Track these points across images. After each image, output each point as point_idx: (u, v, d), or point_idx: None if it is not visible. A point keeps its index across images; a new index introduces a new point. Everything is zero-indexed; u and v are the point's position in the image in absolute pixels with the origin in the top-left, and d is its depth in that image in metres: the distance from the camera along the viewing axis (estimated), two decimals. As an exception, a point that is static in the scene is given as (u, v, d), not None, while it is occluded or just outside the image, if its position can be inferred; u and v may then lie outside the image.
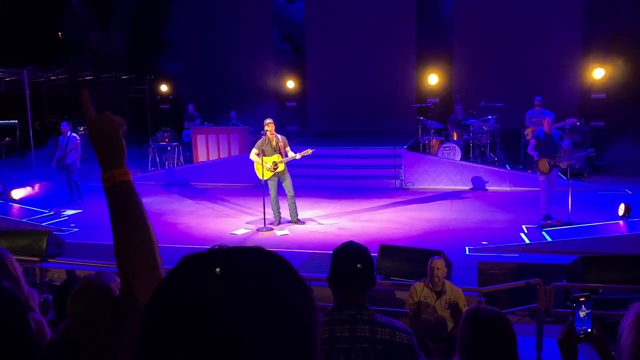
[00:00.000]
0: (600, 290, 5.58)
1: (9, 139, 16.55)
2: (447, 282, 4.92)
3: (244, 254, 0.69)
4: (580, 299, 1.82)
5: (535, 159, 8.50)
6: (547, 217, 8.44)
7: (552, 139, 8.43)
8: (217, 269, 0.64)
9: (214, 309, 0.62)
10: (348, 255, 2.18)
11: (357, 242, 2.30)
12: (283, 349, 0.63)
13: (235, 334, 0.61)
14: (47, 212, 10.06)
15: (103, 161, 1.26)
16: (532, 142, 8.59)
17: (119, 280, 2.13)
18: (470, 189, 11.62)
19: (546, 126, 8.47)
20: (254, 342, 0.61)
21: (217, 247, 0.70)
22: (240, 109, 15.61)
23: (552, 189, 8.52)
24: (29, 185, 11.51)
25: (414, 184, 11.99)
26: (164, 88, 18.56)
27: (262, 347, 0.61)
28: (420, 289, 4.85)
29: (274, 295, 0.65)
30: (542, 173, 8.48)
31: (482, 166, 12.06)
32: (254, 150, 8.69)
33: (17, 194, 10.88)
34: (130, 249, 1.24)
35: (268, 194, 8.73)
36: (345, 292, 2.12)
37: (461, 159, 12.40)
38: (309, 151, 8.72)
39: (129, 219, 1.26)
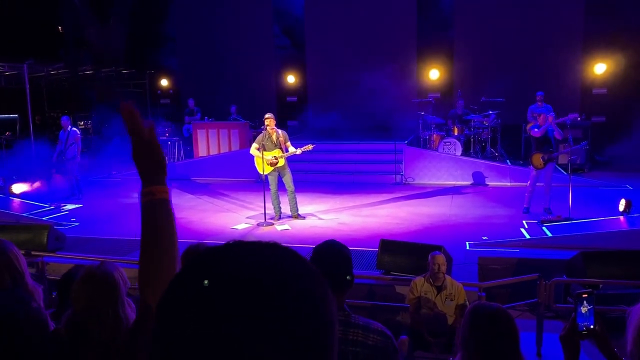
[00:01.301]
0: (601, 285, 5.58)
1: (9, 133, 16.54)
2: (448, 277, 4.92)
3: (259, 250, 0.68)
4: (583, 295, 1.81)
5: (532, 132, 8.56)
6: (528, 209, 8.69)
7: (548, 134, 8.47)
8: (205, 281, 0.62)
9: (226, 307, 0.60)
10: (327, 255, 2.18)
11: (337, 241, 2.30)
12: (299, 345, 0.61)
13: (248, 333, 0.59)
14: (47, 207, 10.06)
15: (144, 175, 1.26)
16: (536, 131, 8.61)
17: (122, 270, 2.16)
18: (471, 184, 11.62)
19: (542, 121, 8.49)
20: (266, 340, 0.60)
21: (232, 242, 0.69)
22: (240, 103, 15.58)
23: (550, 183, 8.57)
24: (29, 180, 11.50)
25: (414, 179, 11.98)
26: (164, 83, 18.53)
27: (275, 345, 0.60)
28: (420, 284, 4.85)
29: (290, 292, 0.63)
30: (536, 168, 8.55)
31: (483, 161, 12.05)
32: (255, 145, 8.67)
33: (18, 188, 10.87)
34: (155, 267, 1.23)
35: (268, 189, 8.73)
36: None
37: (462, 154, 12.38)
38: (310, 147, 8.70)
39: (161, 238, 1.25)
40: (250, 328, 0.59)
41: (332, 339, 0.66)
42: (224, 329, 0.59)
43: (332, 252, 2.20)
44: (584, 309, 1.80)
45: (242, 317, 0.60)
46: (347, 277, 2.15)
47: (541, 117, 8.62)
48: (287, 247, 0.70)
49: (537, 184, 8.69)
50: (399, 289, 5.78)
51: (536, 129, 8.57)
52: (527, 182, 8.96)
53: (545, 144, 8.52)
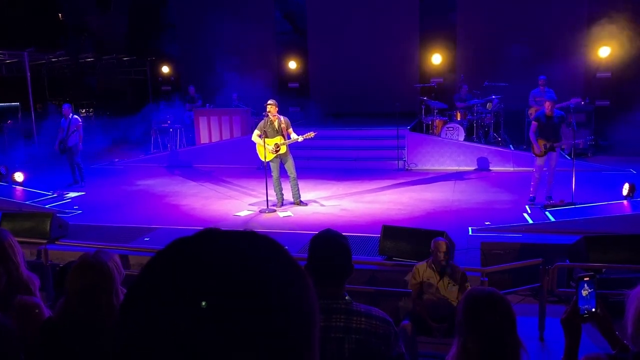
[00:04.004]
0: (604, 270, 5.57)
1: (11, 121, 16.54)
2: (450, 263, 4.92)
3: (233, 239, 0.65)
4: (584, 278, 1.80)
5: (535, 143, 8.32)
6: (533, 200, 8.44)
7: (553, 120, 8.25)
8: (203, 303, 0.58)
9: (198, 300, 0.57)
10: (325, 245, 2.17)
11: (335, 229, 2.29)
12: (279, 338, 0.59)
13: (224, 325, 0.57)
14: (50, 195, 10.07)
15: None
16: (534, 125, 8.38)
17: (117, 259, 2.15)
18: (474, 169, 11.58)
19: (548, 108, 8.31)
20: (244, 333, 0.57)
21: (205, 230, 0.66)
22: (241, 90, 15.51)
23: (554, 171, 8.40)
24: (32, 168, 11.51)
25: (417, 165, 11.95)
26: (165, 70, 18.45)
27: (253, 338, 0.57)
28: (423, 270, 4.85)
29: (268, 284, 0.61)
30: (536, 156, 8.37)
31: (486, 146, 12.00)
32: (256, 132, 8.64)
33: (20, 176, 10.89)
34: None
35: (270, 176, 8.71)
36: (322, 282, 2.11)
37: (465, 140, 12.33)
38: (311, 134, 8.66)
39: None
40: (214, 317, 0.57)
41: (308, 330, 0.63)
42: (186, 314, 0.57)
43: (328, 241, 2.18)
44: (585, 292, 1.79)
45: (210, 310, 0.57)
46: (347, 268, 2.15)
47: (546, 103, 8.43)
48: (265, 236, 0.67)
49: (544, 169, 8.53)
50: (402, 274, 5.79)
51: (535, 121, 8.40)
52: (530, 168, 8.82)
53: (549, 131, 8.27)
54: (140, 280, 0.62)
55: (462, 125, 12.58)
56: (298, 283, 0.64)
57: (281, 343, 0.59)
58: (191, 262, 0.61)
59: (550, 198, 8.37)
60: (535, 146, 8.36)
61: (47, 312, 2.27)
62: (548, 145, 8.23)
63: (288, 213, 8.50)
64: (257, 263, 0.63)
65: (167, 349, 0.56)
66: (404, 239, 6.02)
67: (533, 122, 8.48)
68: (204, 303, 0.57)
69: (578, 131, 8.64)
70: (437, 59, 15.44)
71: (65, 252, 6.62)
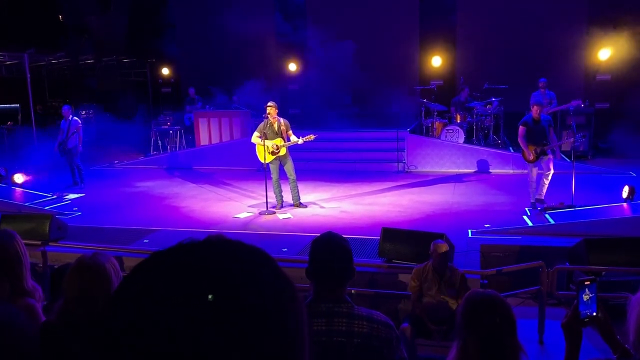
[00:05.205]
0: (604, 272, 5.56)
1: (11, 122, 16.52)
2: (450, 265, 4.91)
3: (228, 245, 0.64)
4: (585, 283, 1.80)
5: (526, 149, 8.18)
6: (535, 204, 8.29)
7: (541, 124, 8.14)
8: (210, 296, 0.57)
9: (192, 300, 0.57)
10: (326, 248, 2.16)
11: (336, 232, 2.28)
12: (273, 340, 0.59)
13: (221, 326, 0.56)
14: (49, 196, 10.06)
15: None
16: (522, 130, 8.21)
17: (114, 261, 2.15)
18: (474, 171, 11.58)
19: (535, 112, 8.18)
20: (242, 334, 0.56)
21: (185, 241, 0.65)
22: (242, 91, 15.51)
23: (550, 173, 8.29)
24: (31, 169, 11.50)
25: (416, 167, 11.95)
26: (165, 71, 18.45)
27: (249, 339, 0.57)
28: (422, 272, 4.84)
29: (263, 286, 0.60)
30: (527, 161, 8.24)
31: (486, 149, 12.00)
32: (256, 134, 8.63)
33: (20, 178, 10.88)
34: None
35: (270, 178, 8.71)
36: (323, 285, 2.10)
37: (464, 142, 12.33)
38: (312, 137, 8.63)
39: None
40: (210, 318, 0.56)
41: (301, 334, 0.63)
42: (179, 314, 0.56)
43: (329, 244, 2.18)
44: (585, 297, 1.79)
45: (187, 305, 0.57)
46: (348, 270, 2.15)
47: (533, 108, 8.31)
48: (250, 246, 0.66)
49: (538, 171, 8.45)
50: (401, 277, 5.78)
51: (522, 126, 8.23)
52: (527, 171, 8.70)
53: (537, 135, 8.13)
54: (132, 279, 0.62)
55: (461, 127, 12.58)
56: (289, 288, 0.65)
57: (275, 344, 0.59)
58: (184, 263, 0.61)
59: (542, 201, 8.25)
60: (526, 152, 8.18)
61: (42, 317, 2.26)
62: (539, 150, 8.10)
63: (287, 215, 8.49)
64: (252, 267, 0.63)
65: (159, 348, 0.56)
66: (403, 241, 6.01)
67: (520, 127, 8.26)
68: (210, 297, 0.57)
69: (562, 136, 8.54)
70: (437, 61, 15.45)
71: (64, 254, 6.61)
